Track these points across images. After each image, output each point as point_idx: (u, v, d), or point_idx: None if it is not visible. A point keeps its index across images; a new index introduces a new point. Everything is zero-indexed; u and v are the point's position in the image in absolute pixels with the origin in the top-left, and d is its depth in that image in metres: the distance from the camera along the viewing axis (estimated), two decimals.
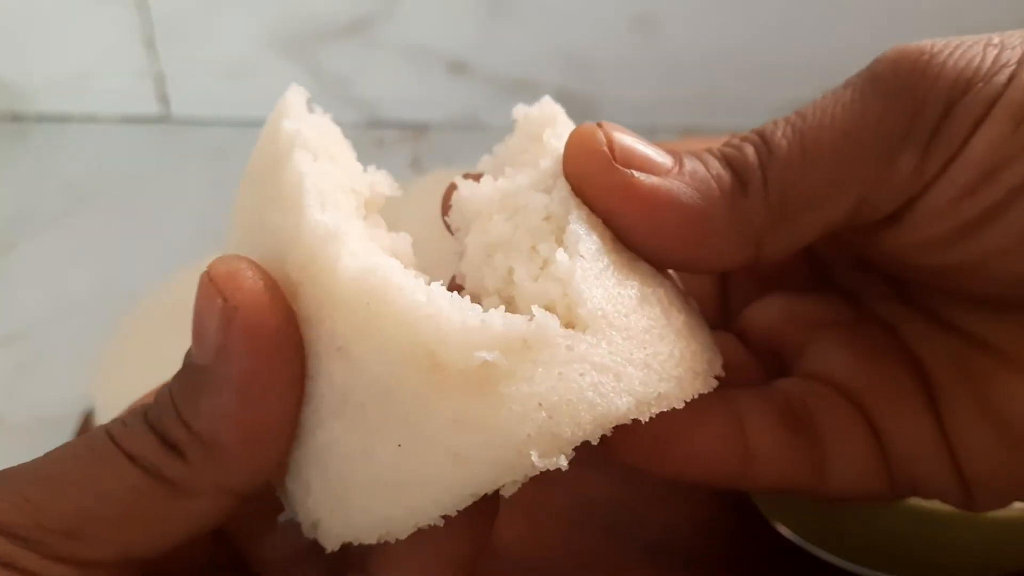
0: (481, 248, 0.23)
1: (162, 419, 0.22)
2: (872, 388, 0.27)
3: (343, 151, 0.25)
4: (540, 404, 0.20)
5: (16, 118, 0.77)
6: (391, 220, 0.25)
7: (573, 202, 0.23)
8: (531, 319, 0.20)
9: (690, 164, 0.24)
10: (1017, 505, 0.32)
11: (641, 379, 0.21)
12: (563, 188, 0.23)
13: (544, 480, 0.43)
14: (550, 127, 0.26)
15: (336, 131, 0.25)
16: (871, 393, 0.27)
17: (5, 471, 0.22)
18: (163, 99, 0.76)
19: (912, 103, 0.23)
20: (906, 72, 0.23)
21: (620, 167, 0.23)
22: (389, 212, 0.25)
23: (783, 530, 0.40)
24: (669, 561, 0.40)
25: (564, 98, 0.89)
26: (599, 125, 0.24)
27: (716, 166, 0.24)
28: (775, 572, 0.39)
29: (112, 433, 0.22)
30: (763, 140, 0.24)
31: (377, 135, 0.75)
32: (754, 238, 0.24)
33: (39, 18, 0.72)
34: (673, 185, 0.23)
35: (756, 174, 0.24)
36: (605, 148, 0.23)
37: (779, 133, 0.24)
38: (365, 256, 0.21)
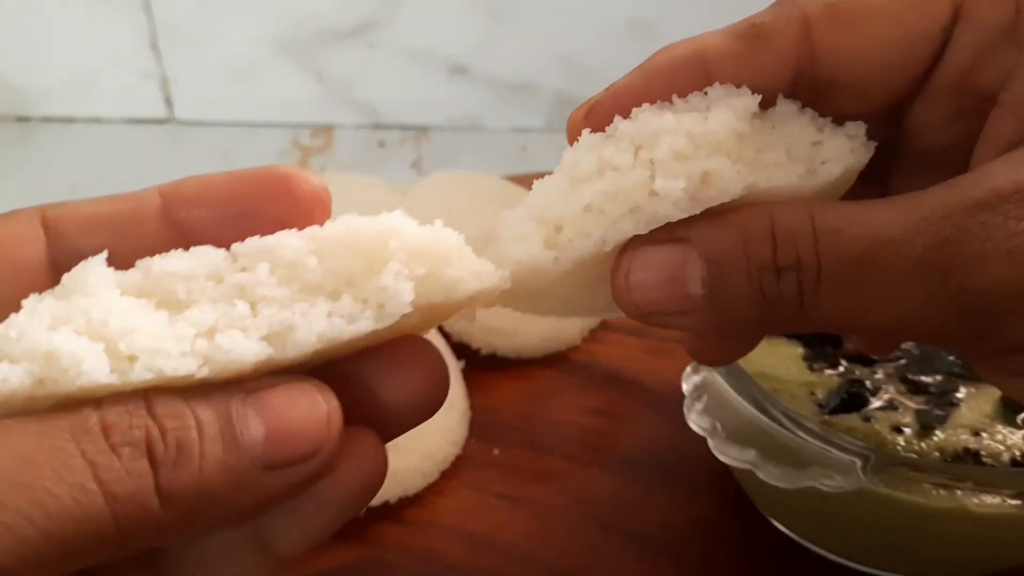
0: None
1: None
2: None
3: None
4: None
5: (22, 120, 0.77)
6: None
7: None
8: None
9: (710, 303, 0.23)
10: (1008, 502, 0.33)
11: None
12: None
13: (545, 478, 0.44)
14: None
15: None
16: None
17: None
18: (168, 101, 0.76)
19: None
20: None
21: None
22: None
23: (779, 525, 0.40)
24: (663, 554, 0.40)
25: (563, 101, 0.90)
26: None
27: (749, 300, 0.23)
28: (770, 567, 0.40)
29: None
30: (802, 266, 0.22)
31: (379, 137, 0.76)
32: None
33: (45, 21, 0.73)
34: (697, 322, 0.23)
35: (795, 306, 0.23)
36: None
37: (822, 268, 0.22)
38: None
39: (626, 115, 0.24)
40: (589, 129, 0.24)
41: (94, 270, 0.21)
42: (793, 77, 0.24)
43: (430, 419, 0.49)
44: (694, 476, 0.44)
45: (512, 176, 0.61)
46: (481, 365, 0.49)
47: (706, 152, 0.23)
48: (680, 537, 0.41)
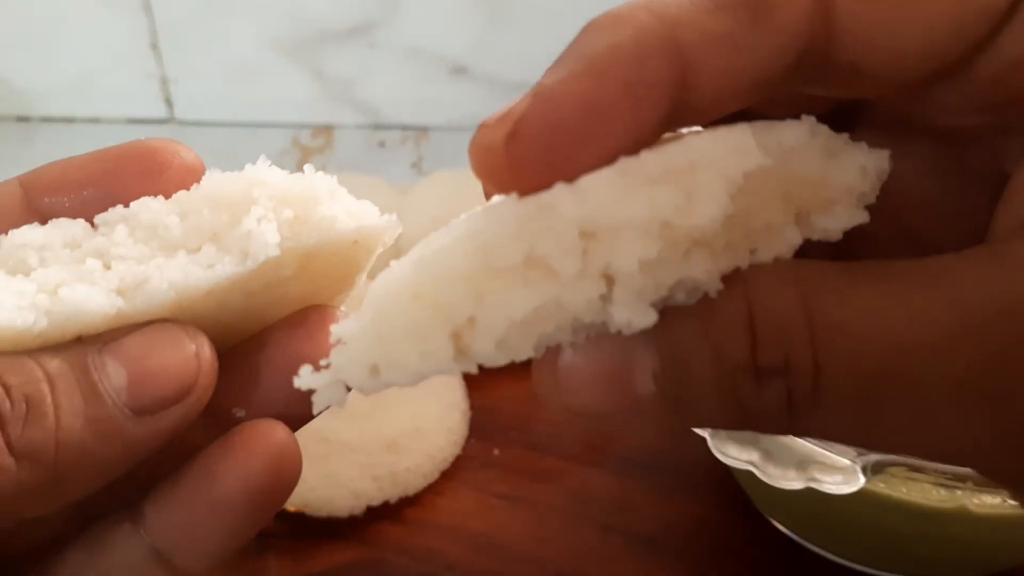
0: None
1: None
2: None
3: None
4: None
5: (22, 120, 0.77)
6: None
7: None
8: None
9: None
10: (1008, 502, 0.33)
11: None
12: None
13: (545, 478, 0.44)
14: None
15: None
16: None
17: None
18: (168, 101, 0.76)
19: None
20: None
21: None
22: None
23: (778, 526, 0.40)
24: (663, 555, 0.40)
25: None
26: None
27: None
28: (770, 567, 0.40)
29: None
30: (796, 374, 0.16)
31: (379, 137, 0.76)
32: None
33: (45, 21, 0.73)
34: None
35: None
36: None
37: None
38: None
39: (565, 153, 0.17)
40: (516, 194, 0.17)
41: None
42: (795, 62, 0.17)
43: (430, 419, 0.49)
44: (694, 476, 0.44)
45: None
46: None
47: (683, 248, 0.17)
48: (680, 537, 0.41)
